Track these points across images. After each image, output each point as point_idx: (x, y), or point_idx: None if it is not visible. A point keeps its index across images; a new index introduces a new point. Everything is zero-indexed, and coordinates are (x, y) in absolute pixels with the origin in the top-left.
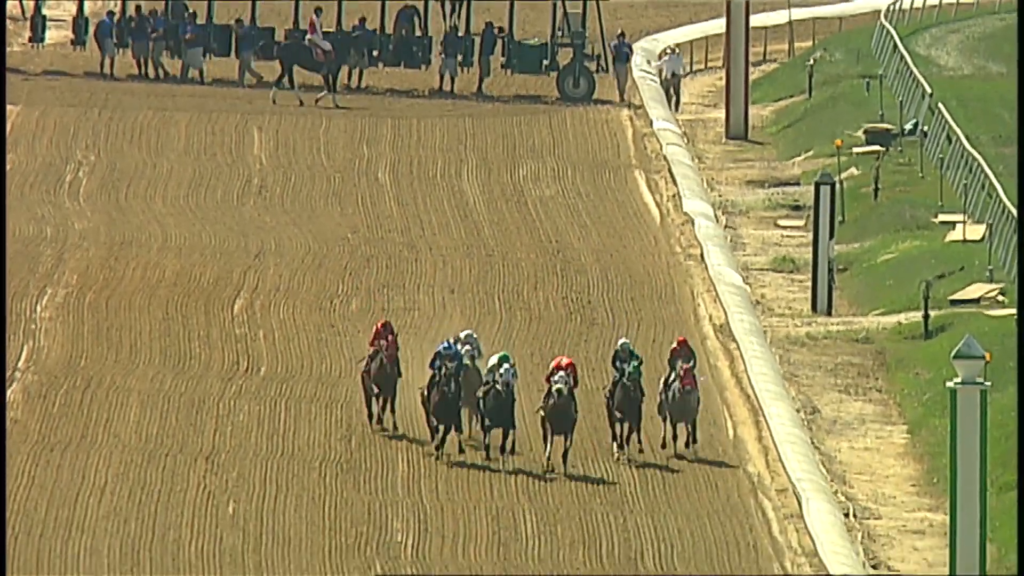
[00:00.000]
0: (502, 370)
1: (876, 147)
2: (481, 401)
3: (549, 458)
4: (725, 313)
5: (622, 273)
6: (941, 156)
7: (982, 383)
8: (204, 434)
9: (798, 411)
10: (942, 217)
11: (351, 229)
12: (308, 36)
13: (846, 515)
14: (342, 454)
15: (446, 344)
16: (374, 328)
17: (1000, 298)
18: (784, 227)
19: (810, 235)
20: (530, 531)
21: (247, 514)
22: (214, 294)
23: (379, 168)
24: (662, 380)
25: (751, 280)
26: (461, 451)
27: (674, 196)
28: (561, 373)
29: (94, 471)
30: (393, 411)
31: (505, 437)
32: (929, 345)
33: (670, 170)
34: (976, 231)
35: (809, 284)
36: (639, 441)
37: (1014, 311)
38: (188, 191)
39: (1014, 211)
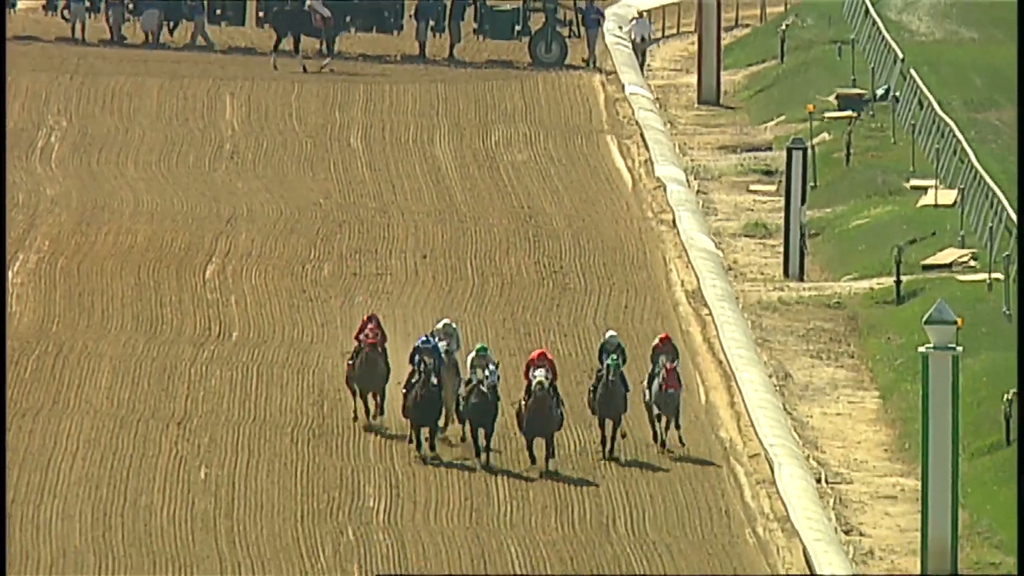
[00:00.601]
0: (487, 372)
1: (848, 112)
2: (464, 402)
3: (534, 460)
4: (697, 278)
5: (594, 238)
6: (913, 121)
7: (954, 348)
8: (176, 399)
9: (770, 376)
10: (914, 182)
11: (323, 194)
12: (308, 2)
13: (818, 480)
14: (314, 419)
15: (424, 338)
16: (360, 321)
17: (972, 263)
18: (756, 192)
19: (782, 200)
20: (502, 496)
21: (219, 479)
22: (186, 260)
23: (351, 133)
24: (646, 377)
25: (723, 245)
26: (432, 448)
27: (646, 161)
28: (541, 369)
29: (66, 436)
30: (381, 411)
31: (488, 438)
32: (901, 310)
33: (642, 135)
34: (948, 196)
35: (781, 249)
36: (623, 436)
37: (985, 276)
38: (160, 157)
39: (986, 176)
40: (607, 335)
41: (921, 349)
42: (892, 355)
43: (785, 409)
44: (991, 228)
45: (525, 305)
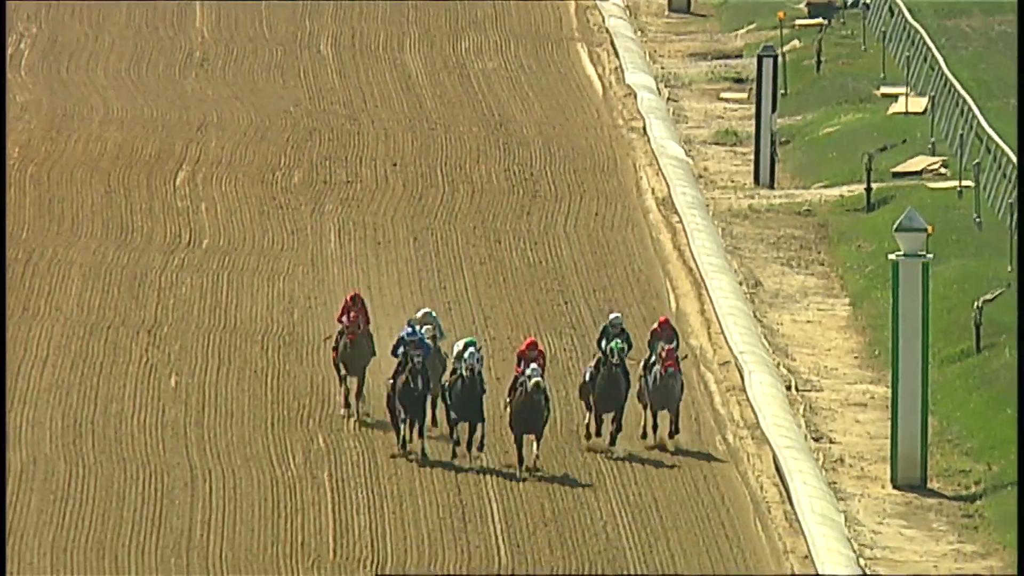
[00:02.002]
0: (467, 354)
1: (818, 20)
2: (448, 392)
3: (522, 461)
4: (667, 186)
5: (564, 146)
6: (883, 28)
7: (924, 255)
8: (146, 307)
9: (740, 284)
10: (884, 90)
11: (293, 102)
12: None
13: (788, 388)
14: (284, 327)
15: (409, 330)
16: (343, 301)
17: (942, 170)
18: (726, 100)
19: (752, 108)
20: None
21: (189, 387)
22: (156, 167)
23: (321, 41)
24: (642, 363)
25: (693, 153)
26: (405, 447)
27: (616, 69)
28: (534, 365)
29: (36, 343)
30: (360, 396)
31: (472, 431)
32: (871, 218)
33: (612, 43)
34: (918, 104)
35: (751, 157)
36: (619, 429)
37: (956, 183)
38: (130, 64)
39: (956, 84)
40: (611, 317)
41: (891, 256)
42: (862, 262)
43: (755, 316)
44: (961, 135)
45: (495, 213)
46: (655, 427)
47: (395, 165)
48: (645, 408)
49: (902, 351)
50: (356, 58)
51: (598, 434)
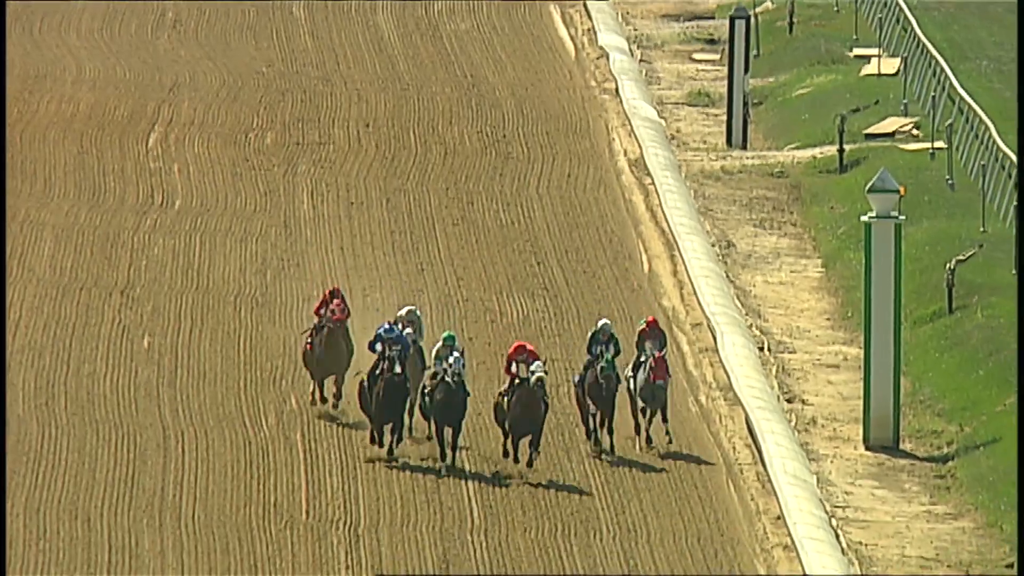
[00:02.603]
0: (451, 359)
1: None
2: (428, 397)
3: (517, 462)
4: (640, 147)
5: (537, 107)
6: None
7: (896, 217)
8: (119, 268)
9: (713, 245)
10: (857, 51)
11: (266, 63)
12: None
13: (760, 349)
14: (257, 288)
15: (387, 326)
16: (321, 296)
17: (915, 132)
18: (699, 61)
19: (725, 69)
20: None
21: (162, 348)
22: (128, 128)
23: (294, 2)
24: (630, 365)
25: (666, 114)
26: (391, 452)
27: (589, 30)
28: (538, 362)
29: (8, 305)
30: (339, 395)
31: (456, 435)
32: (844, 179)
33: (585, 4)
34: (891, 65)
35: (724, 118)
36: (610, 432)
37: (928, 145)
38: (103, 25)
39: (929, 45)
40: (599, 323)
41: (864, 218)
42: (835, 223)
43: (728, 278)
44: (934, 97)
45: (468, 174)
46: (638, 427)
47: (368, 126)
48: (633, 412)
49: (874, 312)
50: (329, 19)
51: (593, 441)
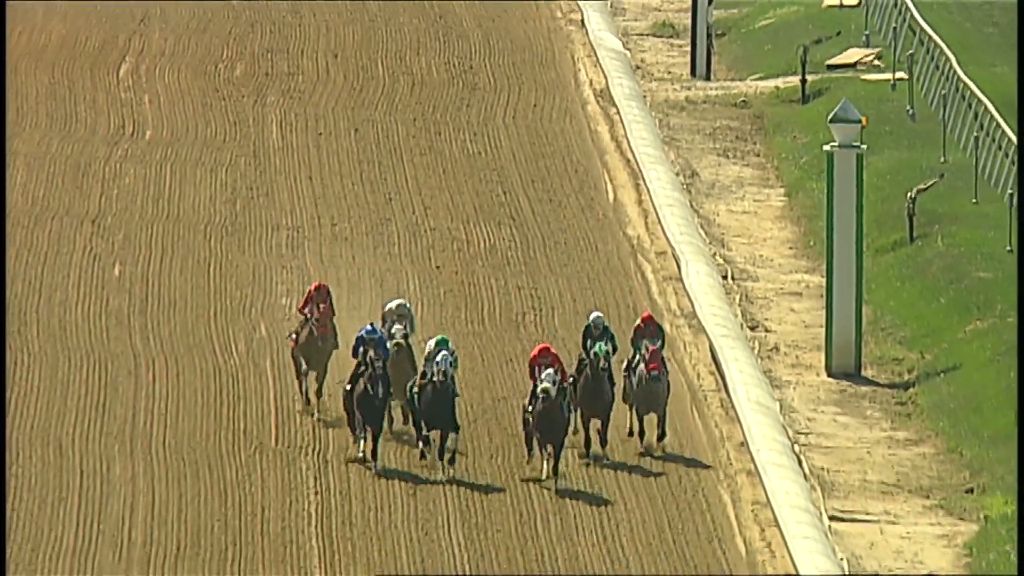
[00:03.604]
0: (439, 358)
1: None
2: (416, 398)
3: (543, 468)
4: (605, 78)
5: (503, 38)
6: None
7: (858, 146)
8: (90, 197)
9: (677, 175)
10: None
11: None
12: None
13: (724, 277)
14: (227, 217)
15: (369, 327)
16: (307, 292)
17: (876, 63)
18: None
19: (689, 0)
20: (415, 296)
21: (133, 276)
22: (100, 58)
23: None
24: (625, 363)
25: (631, 45)
26: (375, 455)
27: None
28: (549, 371)
29: None
30: (320, 393)
31: (444, 440)
32: (806, 109)
33: None
34: None
35: (688, 49)
36: (604, 439)
37: (889, 76)
38: None
39: None
40: (592, 317)
41: (826, 147)
42: (797, 153)
43: (692, 207)
44: (895, 28)
45: (435, 104)
46: (642, 432)
47: (336, 57)
48: (630, 408)
49: (836, 241)
50: None
51: (585, 445)
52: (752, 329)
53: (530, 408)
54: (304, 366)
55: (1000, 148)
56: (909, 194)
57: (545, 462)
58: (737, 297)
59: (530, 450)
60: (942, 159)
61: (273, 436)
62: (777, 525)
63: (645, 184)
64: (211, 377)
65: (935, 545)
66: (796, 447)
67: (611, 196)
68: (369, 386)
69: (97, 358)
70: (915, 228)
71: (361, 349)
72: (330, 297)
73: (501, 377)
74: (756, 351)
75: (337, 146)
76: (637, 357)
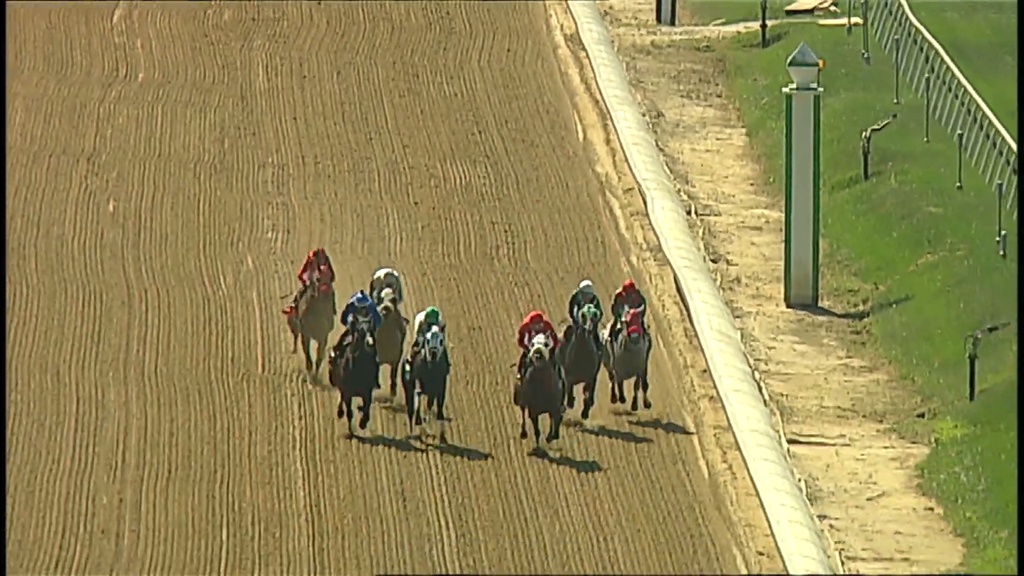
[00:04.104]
0: (430, 334)
1: None
2: (409, 366)
3: (537, 439)
4: (575, 23)
5: None
6: None
7: (815, 88)
8: (85, 137)
9: (643, 115)
10: None
11: None
12: None
13: (688, 212)
14: (215, 156)
15: (360, 295)
16: (305, 258)
17: (833, 8)
18: None
19: None
20: (394, 231)
21: (126, 212)
22: (94, 4)
23: None
24: (607, 330)
25: None
26: (364, 424)
27: None
28: (540, 336)
29: None
30: (317, 364)
31: (431, 402)
32: (766, 53)
33: None
34: None
35: None
36: (591, 400)
37: (845, 21)
38: None
39: None
40: (581, 284)
41: (785, 89)
42: (758, 95)
43: (657, 146)
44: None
45: (414, 48)
46: (622, 396)
47: (319, 3)
48: (611, 377)
49: (795, 178)
50: None
51: (570, 405)
52: (715, 262)
53: (520, 376)
54: (305, 335)
55: (950, 90)
56: (864, 133)
57: (537, 434)
58: (700, 231)
59: (524, 427)
60: (895, 100)
61: (259, 364)
62: (738, 448)
63: (613, 124)
64: (200, 307)
65: (888, 467)
66: (756, 374)
67: (581, 135)
68: (357, 356)
69: (92, 289)
70: (869, 166)
71: (350, 317)
72: (328, 260)
73: (476, 307)
74: (718, 283)
75: (320, 88)
76: (619, 324)
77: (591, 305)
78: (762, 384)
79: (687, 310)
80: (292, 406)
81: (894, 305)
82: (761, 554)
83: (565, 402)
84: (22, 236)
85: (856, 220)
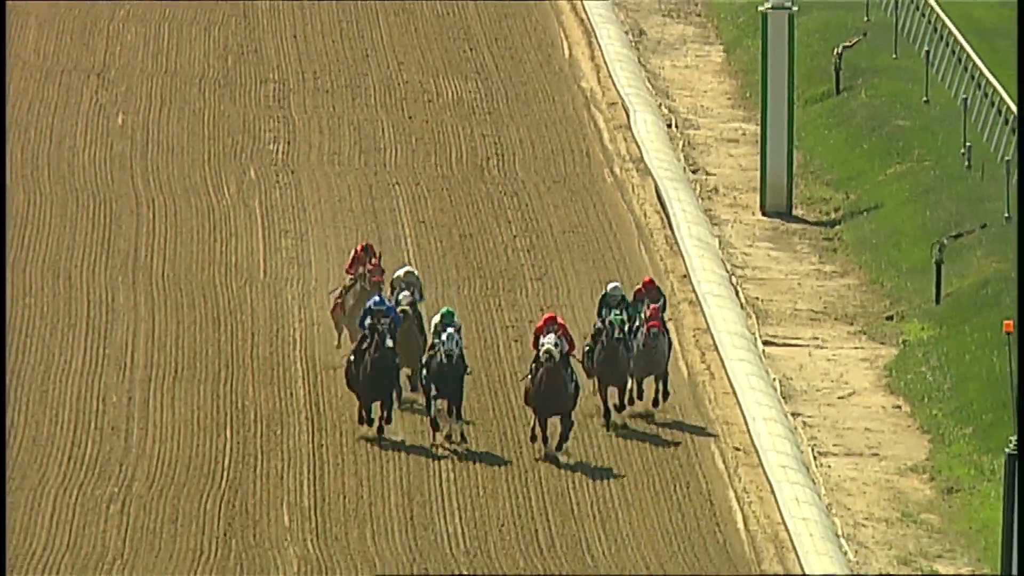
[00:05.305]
0: (445, 336)
1: None
2: (425, 368)
3: (546, 444)
4: None
5: None
6: None
7: (790, 7)
8: (96, 53)
9: (626, 33)
10: None
11: None
12: None
13: (669, 126)
14: (220, 71)
15: (377, 298)
16: (352, 252)
17: None
18: None
19: None
20: (389, 143)
21: (135, 124)
22: None
23: None
24: (626, 329)
25: None
26: (382, 430)
27: None
28: (551, 336)
29: None
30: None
31: (451, 410)
32: None
33: None
34: None
35: None
36: (622, 405)
37: None
38: None
39: None
40: (609, 287)
41: (761, 8)
42: (735, 14)
43: (639, 62)
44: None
45: None
46: (640, 394)
47: None
48: (631, 376)
49: (770, 93)
50: None
51: (606, 412)
52: (694, 172)
53: (530, 376)
54: (351, 329)
55: (917, 9)
56: (836, 50)
57: (545, 440)
58: (680, 143)
59: (534, 431)
60: (865, 18)
61: (261, 269)
62: (716, 349)
63: (597, 41)
64: (205, 216)
65: (858, 367)
66: (733, 279)
67: (567, 52)
68: (376, 358)
69: (102, 198)
70: (841, 81)
71: (368, 320)
72: (378, 256)
73: (467, 216)
74: (697, 192)
75: (319, 7)
76: (637, 322)
77: (619, 312)
78: (739, 288)
79: (668, 218)
80: (292, 309)
81: (864, 213)
82: (738, 449)
83: (577, 406)
84: (35, 148)
85: (828, 133)
